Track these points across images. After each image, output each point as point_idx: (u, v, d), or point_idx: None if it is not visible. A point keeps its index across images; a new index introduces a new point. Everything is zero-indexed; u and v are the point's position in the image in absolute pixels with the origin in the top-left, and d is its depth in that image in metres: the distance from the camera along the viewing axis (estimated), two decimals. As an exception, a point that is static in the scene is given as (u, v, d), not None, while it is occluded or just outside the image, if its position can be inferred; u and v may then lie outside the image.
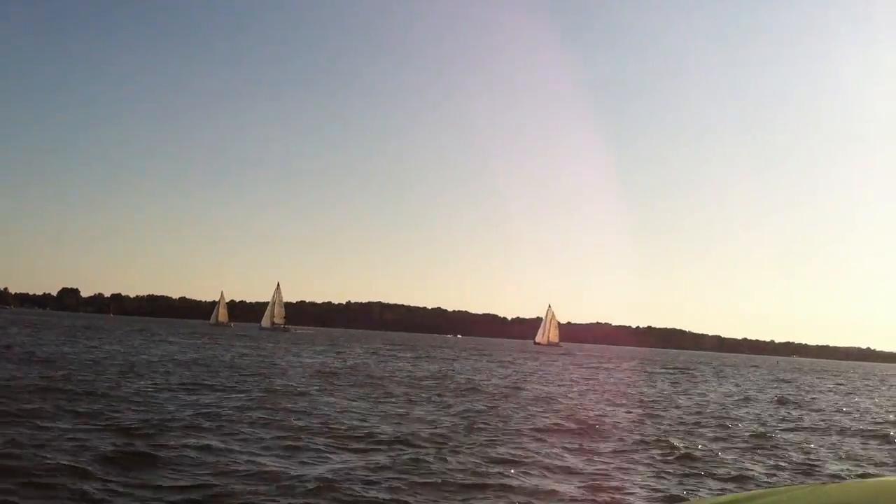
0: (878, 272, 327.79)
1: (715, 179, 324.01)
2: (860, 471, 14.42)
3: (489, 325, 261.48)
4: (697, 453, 15.00)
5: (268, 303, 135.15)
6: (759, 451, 16.06)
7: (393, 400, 22.03)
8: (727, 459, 14.52)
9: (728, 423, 21.47)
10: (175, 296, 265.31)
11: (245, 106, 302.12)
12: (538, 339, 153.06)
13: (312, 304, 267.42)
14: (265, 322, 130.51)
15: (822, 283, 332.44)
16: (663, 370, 62.80)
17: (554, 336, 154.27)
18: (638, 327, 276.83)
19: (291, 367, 34.65)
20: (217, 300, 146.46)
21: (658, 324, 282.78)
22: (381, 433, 14.83)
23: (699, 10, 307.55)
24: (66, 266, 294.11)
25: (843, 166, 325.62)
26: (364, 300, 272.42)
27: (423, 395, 24.45)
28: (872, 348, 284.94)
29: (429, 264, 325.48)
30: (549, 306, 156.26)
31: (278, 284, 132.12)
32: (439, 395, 24.42)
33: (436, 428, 16.27)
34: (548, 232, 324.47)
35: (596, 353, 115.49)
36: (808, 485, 3.02)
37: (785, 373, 77.30)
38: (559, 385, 34.46)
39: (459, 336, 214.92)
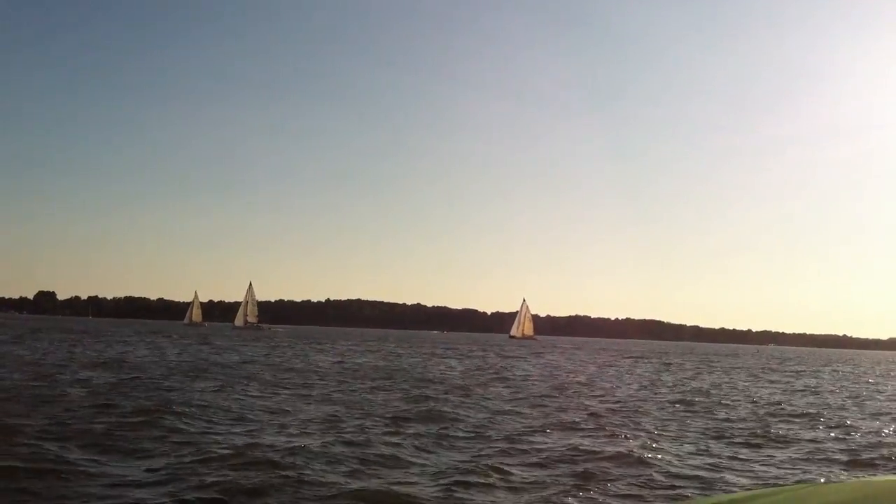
0: (852, 261, 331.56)
1: (689, 172, 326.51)
2: None
3: (469, 320, 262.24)
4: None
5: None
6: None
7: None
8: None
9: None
10: (153, 297, 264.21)
11: (217, 107, 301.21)
12: (513, 332, 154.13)
13: (292, 303, 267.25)
14: (238, 321, 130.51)
15: (797, 271, 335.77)
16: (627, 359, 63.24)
17: (529, 329, 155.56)
18: (616, 319, 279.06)
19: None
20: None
21: (636, 315, 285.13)
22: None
23: (681, 10, 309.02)
24: (42, 269, 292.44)
25: (817, 159, 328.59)
26: (343, 297, 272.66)
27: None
28: (848, 335, 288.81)
29: (408, 260, 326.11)
30: (524, 300, 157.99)
31: (251, 283, 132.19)
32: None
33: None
34: (526, 226, 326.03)
35: (564, 346, 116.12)
36: (808, 484, 3.09)
37: (791, 363, 76.72)
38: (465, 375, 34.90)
39: (446, 332, 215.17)
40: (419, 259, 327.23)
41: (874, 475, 11.39)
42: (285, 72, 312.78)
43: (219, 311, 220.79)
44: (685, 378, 39.43)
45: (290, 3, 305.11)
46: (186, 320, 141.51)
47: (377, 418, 16.37)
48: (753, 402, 25.72)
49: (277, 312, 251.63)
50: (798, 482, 9.95)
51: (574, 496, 9.84)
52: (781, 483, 11.00)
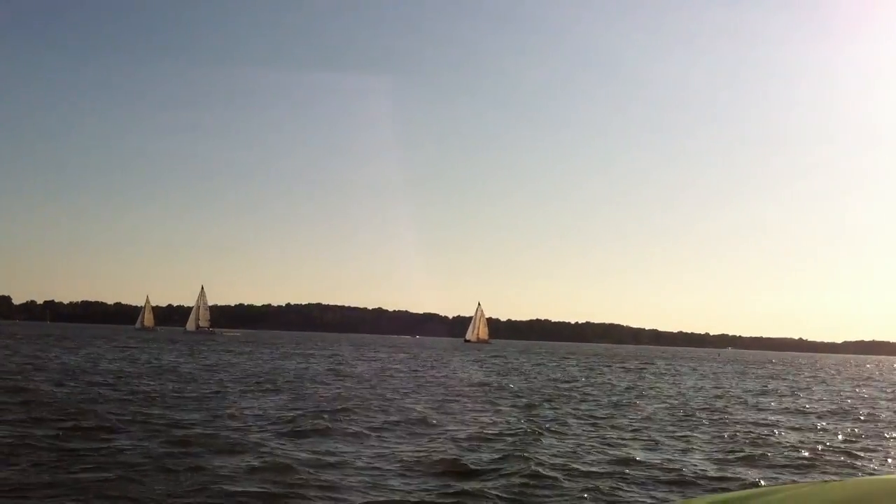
0: (808, 266, 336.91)
1: (647, 178, 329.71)
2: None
3: (431, 324, 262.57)
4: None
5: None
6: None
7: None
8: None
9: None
10: (110, 301, 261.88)
11: (170, 111, 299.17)
12: (468, 336, 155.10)
13: (252, 307, 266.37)
14: (190, 326, 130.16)
15: (754, 276, 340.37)
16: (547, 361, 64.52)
17: (483, 333, 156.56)
18: (576, 322, 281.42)
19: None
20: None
21: (596, 319, 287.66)
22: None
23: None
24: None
25: (772, 162, 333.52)
26: (304, 302, 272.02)
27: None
28: (804, 338, 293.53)
29: (368, 265, 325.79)
30: (479, 304, 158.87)
31: (202, 288, 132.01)
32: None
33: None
34: (486, 230, 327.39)
35: (516, 348, 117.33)
36: (809, 483, 3.10)
37: (756, 367, 78.71)
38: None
39: (418, 336, 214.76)
40: (379, 263, 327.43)
41: (874, 475, 11.85)
42: (237, 74, 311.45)
43: (178, 316, 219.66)
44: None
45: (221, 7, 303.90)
46: (138, 325, 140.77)
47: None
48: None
49: (237, 317, 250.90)
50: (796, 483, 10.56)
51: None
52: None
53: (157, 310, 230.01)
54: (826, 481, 3.11)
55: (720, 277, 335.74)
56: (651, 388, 34.67)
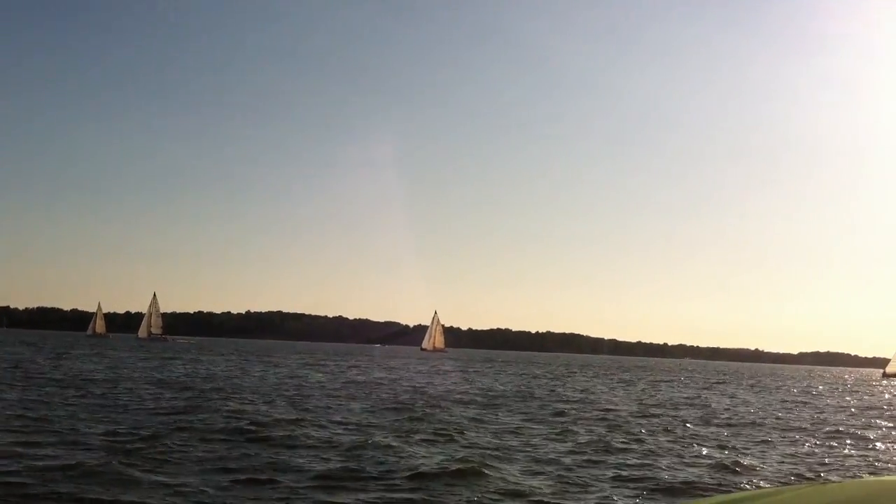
0: (765, 277, 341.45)
1: (604, 186, 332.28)
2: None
3: (391, 332, 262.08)
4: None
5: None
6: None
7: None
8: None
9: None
10: (67, 307, 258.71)
11: (123, 114, 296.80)
12: (424, 345, 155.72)
13: (211, 315, 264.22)
14: (142, 332, 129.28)
15: (711, 287, 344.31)
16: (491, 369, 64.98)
17: (439, 342, 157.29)
18: (537, 332, 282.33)
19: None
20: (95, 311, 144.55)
21: (556, 329, 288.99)
22: None
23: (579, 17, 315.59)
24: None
25: (732, 176, 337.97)
26: (265, 310, 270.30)
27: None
28: (761, 349, 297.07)
29: (329, 273, 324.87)
30: (435, 313, 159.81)
31: (154, 294, 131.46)
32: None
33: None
34: (445, 238, 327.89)
35: (467, 357, 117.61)
36: (808, 484, 3.10)
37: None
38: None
39: (386, 345, 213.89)
40: (340, 272, 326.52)
41: (875, 475, 11.97)
42: (196, 79, 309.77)
43: (136, 322, 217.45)
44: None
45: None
46: (90, 331, 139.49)
47: None
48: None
49: (196, 324, 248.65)
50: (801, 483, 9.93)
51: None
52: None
53: (115, 316, 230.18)
54: (826, 482, 3.21)
55: (678, 288, 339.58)
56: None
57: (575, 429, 20.32)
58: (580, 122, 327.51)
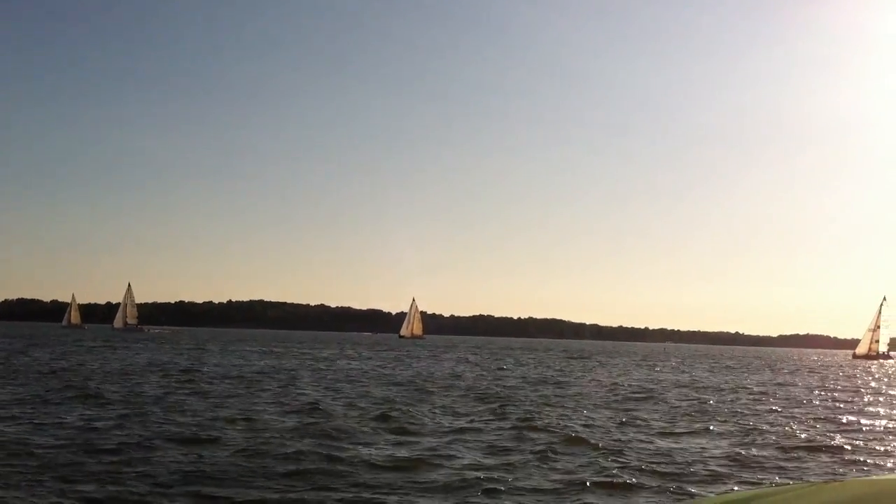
0: (744, 260, 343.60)
1: (583, 171, 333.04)
2: None
3: (374, 320, 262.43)
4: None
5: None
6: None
7: None
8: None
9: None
10: (47, 299, 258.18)
11: (98, 102, 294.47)
12: (403, 332, 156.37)
13: (193, 304, 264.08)
14: (118, 323, 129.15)
15: (691, 271, 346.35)
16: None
17: (417, 329, 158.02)
18: (519, 318, 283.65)
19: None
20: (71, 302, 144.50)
21: (539, 314, 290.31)
22: None
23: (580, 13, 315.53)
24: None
25: (711, 161, 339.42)
26: (246, 299, 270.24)
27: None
28: (741, 332, 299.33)
29: (311, 261, 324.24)
30: (413, 300, 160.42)
31: (129, 285, 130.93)
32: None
33: None
34: (428, 226, 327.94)
35: (442, 344, 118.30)
36: (810, 483, 3.09)
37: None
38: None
39: (376, 333, 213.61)
40: (322, 259, 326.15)
41: (875, 475, 12.09)
42: (173, 67, 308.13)
43: (116, 313, 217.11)
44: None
45: None
46: (65, 322, 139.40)
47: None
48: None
49: (177, 314, 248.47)
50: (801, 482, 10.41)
51: None
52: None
53: (95, 307, 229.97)
54: (827, 481, 3.10)
55: (658, 272, 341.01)
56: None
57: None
58: (563, 109, 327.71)
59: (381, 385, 29.65)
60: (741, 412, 23.41)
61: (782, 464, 14.16)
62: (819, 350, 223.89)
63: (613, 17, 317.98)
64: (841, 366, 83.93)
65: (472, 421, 18.80)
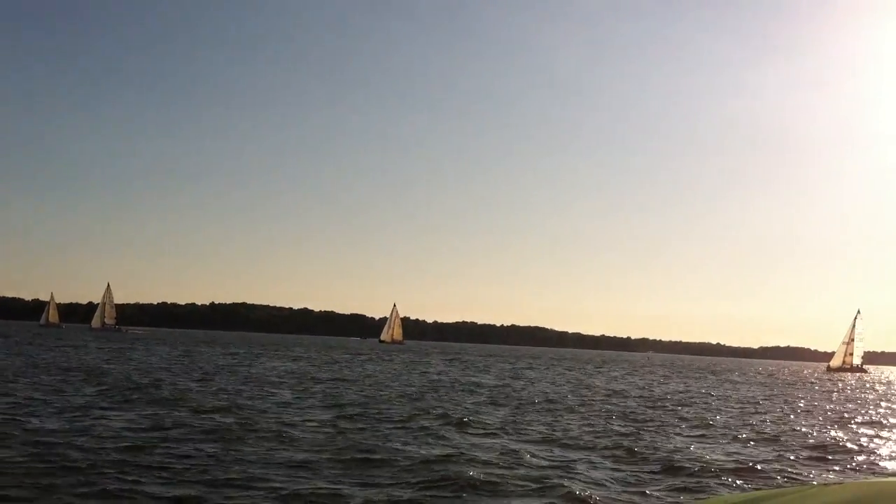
0: (726, 272, 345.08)
1: (566, 181, 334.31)
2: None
3: (357, 325, 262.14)
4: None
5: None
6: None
7: None
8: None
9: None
10: (28, 297, 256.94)
11: (88, 103, 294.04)
12: (383, 336, 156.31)
13: (175, 306, 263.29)
14: (95, 323, 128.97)
15: (673, 282, 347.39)
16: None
17: (398, 334, 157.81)
18: (502, 325, 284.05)
19: None
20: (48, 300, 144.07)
21: (522, 322, 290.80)
22: None
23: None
24: None
25: (691, 171, 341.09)
26: (229, 301, 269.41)
27: None
28: (722, 343, 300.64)
29: (294, 264, 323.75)
30: (394, 305, 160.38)
31: (108, 285, 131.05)
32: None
33: None
34: (414, 232, 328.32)
35: (418, 349, 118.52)
36: (811, 486, 3.11)
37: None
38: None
39: (367, 339, 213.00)
40: (306, 263, 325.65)
41: (876, 477, 11.96)
42: (156, 67, 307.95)
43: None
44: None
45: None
46: (42, 321, 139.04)
47: None
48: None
49: (160, 315, 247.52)
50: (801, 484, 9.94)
51: None
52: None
53: (77, 307, 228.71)
54: (826, 483, 3.07)
55: (641, 283, 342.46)
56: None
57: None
58: (550, 118, 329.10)
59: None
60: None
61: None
62: (798, 363, 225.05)
63: (605, 27, 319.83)
64: (803, 380, 78.45)
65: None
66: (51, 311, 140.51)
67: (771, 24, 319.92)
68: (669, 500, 11.12)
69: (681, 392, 39.78)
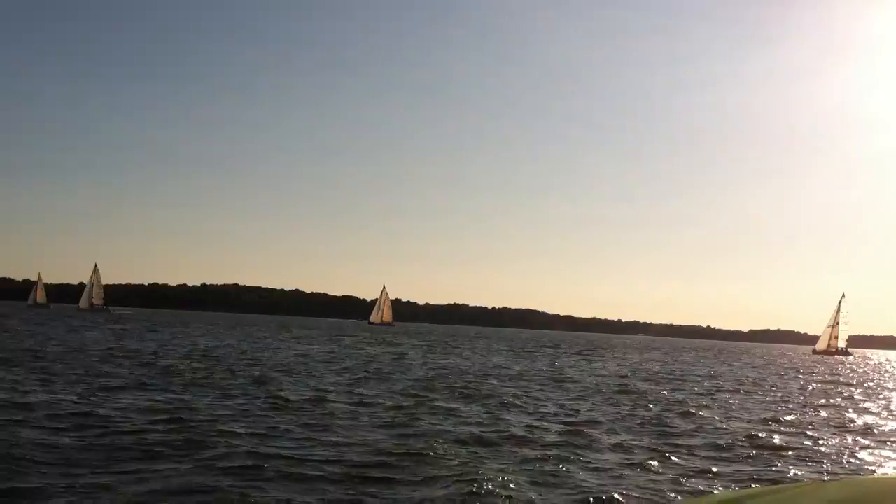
0: (716, 255, 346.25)
1: (557, 166, 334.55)
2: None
3: (349, 307, 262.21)
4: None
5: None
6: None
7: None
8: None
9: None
10: (19, 278, 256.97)
11: (61, 79, 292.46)
12: (372, 318, 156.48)
13: (165, 286, 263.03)
14: (83, 303, 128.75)
15: (663, 264, 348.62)
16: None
17: (388, 316, 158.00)
18: (493, 308, 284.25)
19: None
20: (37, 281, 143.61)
21: (513, 305, 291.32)
22: None
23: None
24: None
25: (681, 157, 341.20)
26: (220, 282, 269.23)
27: None
28: (712, 326, 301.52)
29: (286, 246, 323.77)
30: (384, 287, 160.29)
31: (95, 266, 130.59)
32: None
33: None
34: (405, 214, 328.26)
35: (403, 330, 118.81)
36: (809, 482, 3.14)
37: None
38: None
39: (363, 321, 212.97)
40: (297, 245, 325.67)
41: (874, 474, 11.99)
42: (147, 49, 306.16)
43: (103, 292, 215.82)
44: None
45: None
46: (30, 301, 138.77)
47: None
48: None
49: (151, 296, 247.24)
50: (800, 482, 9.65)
51: None
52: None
53: (67, 287, 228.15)
54: (826, 481, 3.13)
55: (632, 266, 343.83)
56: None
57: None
58: (542, 103, 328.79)
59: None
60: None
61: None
62: (787, 346, 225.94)
63: (602, 16, 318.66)
64: (781, 362, 77.95)
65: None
66: (38, 292, 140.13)
67: (761, 13, 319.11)
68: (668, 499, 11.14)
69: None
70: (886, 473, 12.62)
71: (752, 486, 11.02)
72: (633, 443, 14.39)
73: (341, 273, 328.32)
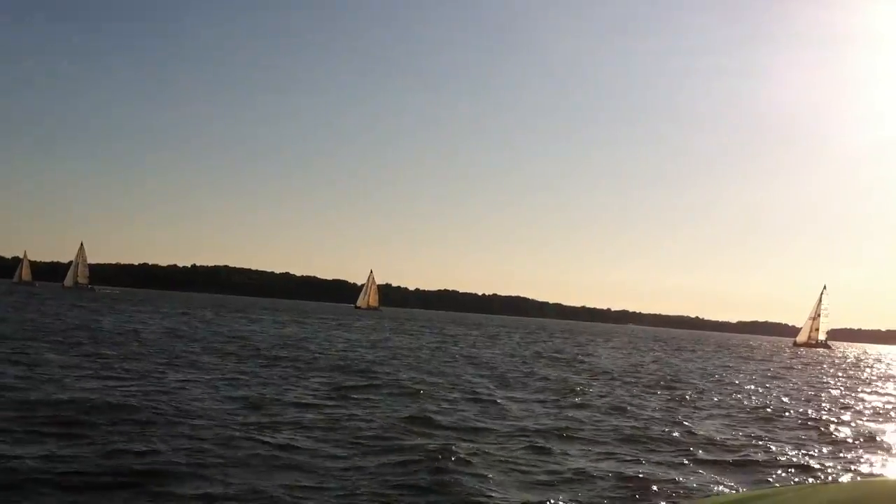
0: (705, 246, 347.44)
1: (548, 155, 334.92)
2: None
3: (338, 291, 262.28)
4: None
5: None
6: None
7: None
8: None
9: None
10: (8, 255, 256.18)
11: (50, 61, 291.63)
12: (359, 303, 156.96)
13: (157, 267, 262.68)
14: (68, 282, 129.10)
15: (651, 254, 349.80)
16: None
17: (374, 301, 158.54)
18: (483, 294, 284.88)
19: None
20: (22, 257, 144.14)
21: (503, 292, 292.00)
22: None
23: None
24: None
25: (679, 144, 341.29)
26: (210, 264, 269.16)
27: None
28: (700, 317, 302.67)
29: (277, 228, 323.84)
30: (371, 272, 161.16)
31: (81, 244, 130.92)
32: None
33: None
34: (395, 199, 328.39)
35: (388, 315, 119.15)
36: (808, 485, 3.12)
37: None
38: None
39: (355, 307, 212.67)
40: (288, 228, 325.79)
41: (875, 476, 12.09)
42: (141, 32, 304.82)
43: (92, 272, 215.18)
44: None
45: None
46: (16, 278, 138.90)
47: None
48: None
49: (140, 276, 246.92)
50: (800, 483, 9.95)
51: None
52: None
53: (57, 265, 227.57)
54: (826, 483, 3.11)
55: (622, 255, 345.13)
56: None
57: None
58: (532, 93, 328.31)
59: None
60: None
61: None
62: (772, 338, 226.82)
63: (602, 9, 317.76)
64: (762, 355, 76.69)
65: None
66: (24, 269, 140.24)
67: (766, 7, 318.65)
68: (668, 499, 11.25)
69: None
70: (885, 476, 12.71)
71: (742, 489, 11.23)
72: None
73: (332, 257, 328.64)
